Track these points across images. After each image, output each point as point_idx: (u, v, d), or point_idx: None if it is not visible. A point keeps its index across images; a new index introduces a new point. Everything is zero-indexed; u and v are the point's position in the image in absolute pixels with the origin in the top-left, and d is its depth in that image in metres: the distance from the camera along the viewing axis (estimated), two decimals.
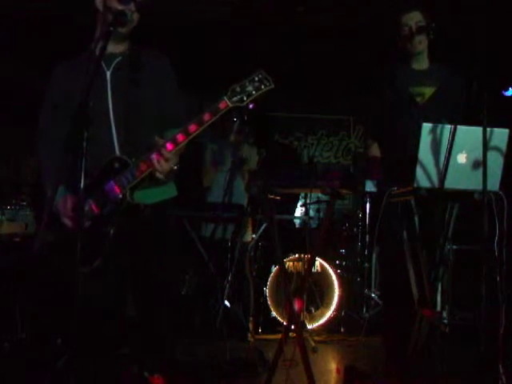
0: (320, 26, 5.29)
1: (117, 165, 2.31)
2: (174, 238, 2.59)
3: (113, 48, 2.44)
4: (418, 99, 3.09)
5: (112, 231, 2.28)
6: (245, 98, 2.22)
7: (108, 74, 2.42)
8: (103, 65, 2.41)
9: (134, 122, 2.39)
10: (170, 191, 2.53)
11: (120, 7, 2.33)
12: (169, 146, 2.26)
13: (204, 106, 2.29)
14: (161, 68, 2.50)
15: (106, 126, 2.37)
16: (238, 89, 2.22)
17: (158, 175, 2.28)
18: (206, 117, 2.23)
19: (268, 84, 2.23)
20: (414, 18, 3.06)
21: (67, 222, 2.33)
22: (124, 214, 2.30)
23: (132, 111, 2.39)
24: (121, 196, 2.30)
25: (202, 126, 2.24)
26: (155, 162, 2.25)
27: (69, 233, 2.31)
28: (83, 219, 2.25)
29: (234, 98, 2.22)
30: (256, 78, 2.22)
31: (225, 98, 2.22)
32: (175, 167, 2.33)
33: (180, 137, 2.25)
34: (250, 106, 2.34)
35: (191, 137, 2.25)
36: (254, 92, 2.22)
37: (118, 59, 2.44)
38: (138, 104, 2.40)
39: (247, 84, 2.22)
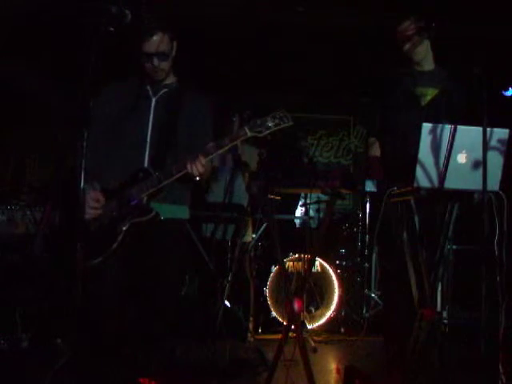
0: (320, 25, 5.29)
1: (141, 174, 2.53)
2: (179, 242, 2.74)
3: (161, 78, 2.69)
4: (422, 100, 3.10)
5: (123, 230, 2.45)
6: (263, 131, 2.45)
7: (153, 100, 2.68)
8: (150, 91, 2.69)
9: (164, 148, 2.60)
10: (181, 213, 2.73)
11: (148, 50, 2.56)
12: (188, 161, 2.47)
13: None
14: (200, 110, 2.73)
15: (141, 145, 2.61)
16: (259, 122, 2.45)
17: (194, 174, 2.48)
18: (226, 142, 2.47)
19: (287, 121, 2.47)
20: (407, 28, 3.08)
21: (89, 212, 2.48)
22: (136, 215, 2.49)
23: (166, 139, 2.62)
24: (138, 201, 2.50)
25: (221, 149, 2.48)
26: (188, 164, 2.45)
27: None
28: (85, 219, 2.41)
29: (254, 129, 2.45)
30: (277, 116, 2.46)
31: (245, 128, 2.46)
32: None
33: (201, 157, 2.45)
34: (268, 137, 2.53)
35: (209, 158, 2.48)
36: (272, 127, 2.45)
37: (164, 90, 2.71)
38: (172, 134, 2.63)
39: (268, 119, 2.45)
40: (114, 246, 2.43)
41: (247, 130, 2.45)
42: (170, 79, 2.75)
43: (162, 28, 2.58)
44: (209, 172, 2.63)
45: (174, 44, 2.66)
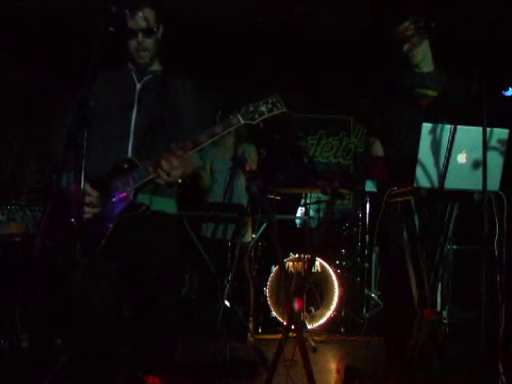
0: (320, 26, 5.29)
1: (126, 165, 2.41)
2: (172, 238, 2.64)
3: (145, 64, 2.60)
4: (422, 101, 3.10)
5: (111, 227, 2.35)
6: (256, 117, 2.34)
7: (138, 86, 2.59)
8: (134, 77, 2.60)
9: (152, 137, 2.51)
10: (170, 206, 2.62)
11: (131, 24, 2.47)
12: (163, 162, 2.34)
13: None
14: (186, 94, 2.63)
15: (125, 133, 2.51)
16: (252, 108, 2.34)
17: (159, 181, 2.38)
18: (218, 130, 2.36)
19: (280, 107, 2.36)
20: (406, 29, 3.07)
21: (72, 208, 2.36)
22: (124, 210, 2.38)
23: (152, 126, 2.52)
24: (125, 195, 2.38)
25: (213, 137, 2.36)
26: (163, 163, 2.33)
27: (70, 227, 2.35)
28: (83, 215, 2.32)
29: (246, 116, 2.34)
30: (270, 101, 2.35)
31: (238, 115, 2.35)
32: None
33: (188, 145, 2.35)
34: (260, 125, 2.42)
35: (199, 147, 2.37)
36: (266, 113, 2.34)
37: (149, 76, 2.61)
38: (158, 121, 2.53)
39: (261, 105, 2.35)
40: (103, 242, 2.32)
41: (240, 118, 2.34)
42: (155, 66, 2.66)
43: (148, 5, 2.50)
44: (192, 167, 2.49)
45: (161, 27, 2.57)
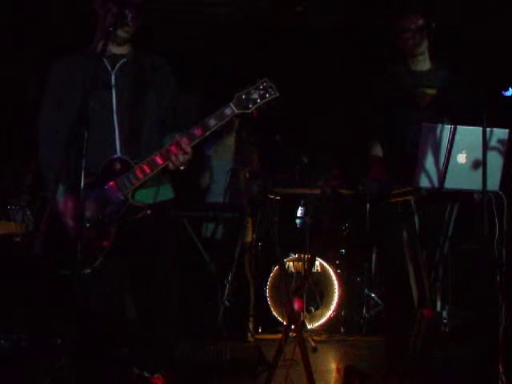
0: (320, 26, 5.29)
1: (118, 166, 2.31)
2: (174, 237, 2.60)
3: (116, 49, 2.46)
4: (420, 100, 3.09)
5: (113, 232, 2.28)
6: (250, 106, 2.26)
7: (113, 74, 2.43)
8: (107, 65, 2.42)
9: (137, 124, 2.40)
10: (166, 193, 2.53)
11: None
12: (173, 149, 2.29)
13: (205, 105, 2.30)
14: (162, 72, 2.51)
15: (108, 125, 2.38)
16: (244, 96, 2.26)
17: (171, 167, 2.31)
18: (212, 122, 2.27)
19: (273, 92, 2.27)
20: (413, 20, 3.06)
21: (69, 222, 2.33)
22: (125, 214, 2.31)
23: (135, 113, 2.40)
24: (123, 198, 2.30)
25: (208, 131, 2.28)
26: (172, 155, 2.28)
27: (70, 233, 2.31)
28: (84, 220, 2.23)
29: (240, 105, 2.26)
30: (261, 86, 2.27)
31: (231, 104, 2.26)
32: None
33: (185, 140, 2.28)
34: (254, 113, 2.33)
35: (196, 141, 2.29)
36: (259, 100, 2.26)
37: (122, 60, 2.45)
38: (140, 106, 2.42)
39: (252, 92, 2.26)
40: (105, 250, 2.25)
41: (234, 107, 2.25)
42: (126, 48, 2.48)
43: None
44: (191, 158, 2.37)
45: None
